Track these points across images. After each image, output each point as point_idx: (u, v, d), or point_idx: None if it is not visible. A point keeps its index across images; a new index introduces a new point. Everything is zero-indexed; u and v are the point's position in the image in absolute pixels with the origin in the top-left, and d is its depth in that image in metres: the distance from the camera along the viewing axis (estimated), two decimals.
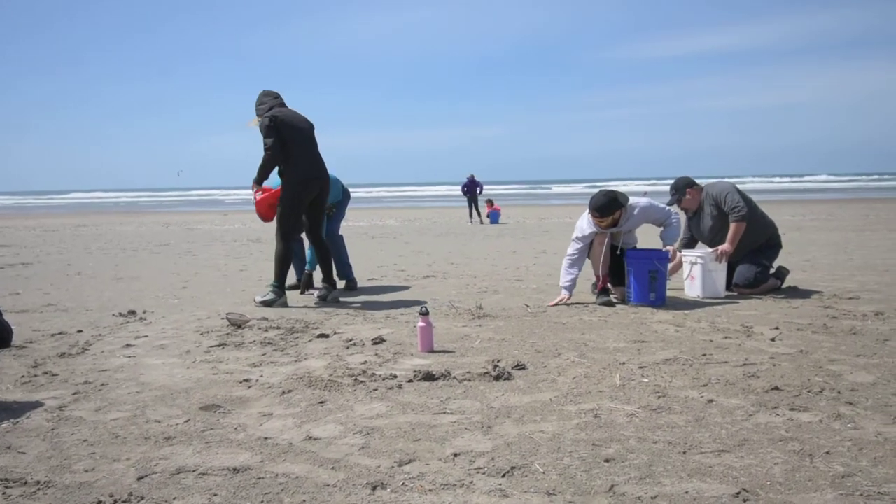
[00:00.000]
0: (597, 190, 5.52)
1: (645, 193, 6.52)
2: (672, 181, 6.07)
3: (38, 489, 2.17)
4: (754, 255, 5.72)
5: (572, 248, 5.47)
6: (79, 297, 6.16)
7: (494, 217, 19.62)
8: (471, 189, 20.54)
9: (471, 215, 20.34)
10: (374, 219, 19.98)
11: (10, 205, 50.57)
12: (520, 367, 3.48)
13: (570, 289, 5.39)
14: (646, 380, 3.23)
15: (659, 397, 2.96)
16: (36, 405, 3.02)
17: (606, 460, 2.30)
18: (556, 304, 5.31)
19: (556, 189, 61.14)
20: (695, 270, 5.64)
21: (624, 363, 3.54)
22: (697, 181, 5.92)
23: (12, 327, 4.29)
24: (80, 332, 4.61)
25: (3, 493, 2.14)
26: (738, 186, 5.82)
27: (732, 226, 5.60)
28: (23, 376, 3.50)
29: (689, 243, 6.10)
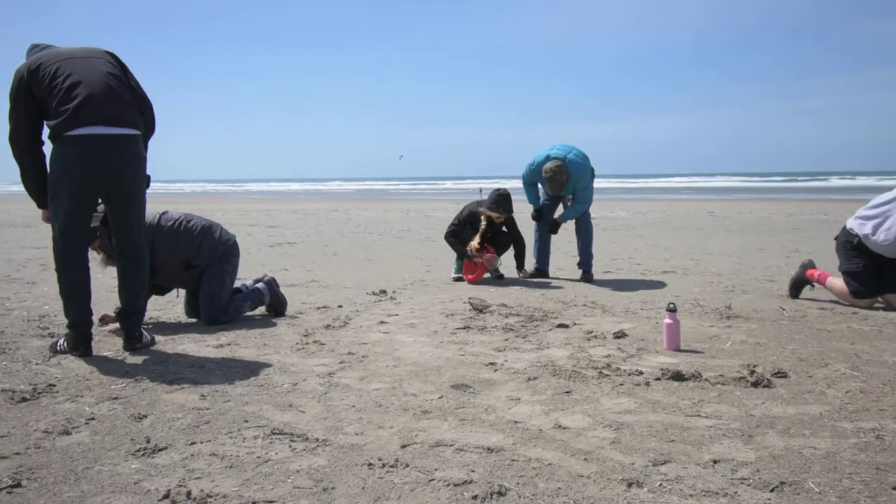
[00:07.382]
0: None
1: None
2: None
3: (318, 445, 2.42)
4: None
5: None
6: (337, 275, 6.77)
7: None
8: None
9: None
10: (605, 210, 19.61)
11: (282, 191, 56.69)
12: (780, 374, 3.21)
13: None
14: None
15: None
16: (309, 370, 3.37)
17: (895, 488, 2.04)
18: None
19: (795, 183, 55.09)
20: None
21: None
22: None
23: (286, 299, 4.86)
24: (340, 307, 5.06)
25: (290, 446, 2.41)
26: None
27: None
28: (296, 343, 3.92)
29: None
